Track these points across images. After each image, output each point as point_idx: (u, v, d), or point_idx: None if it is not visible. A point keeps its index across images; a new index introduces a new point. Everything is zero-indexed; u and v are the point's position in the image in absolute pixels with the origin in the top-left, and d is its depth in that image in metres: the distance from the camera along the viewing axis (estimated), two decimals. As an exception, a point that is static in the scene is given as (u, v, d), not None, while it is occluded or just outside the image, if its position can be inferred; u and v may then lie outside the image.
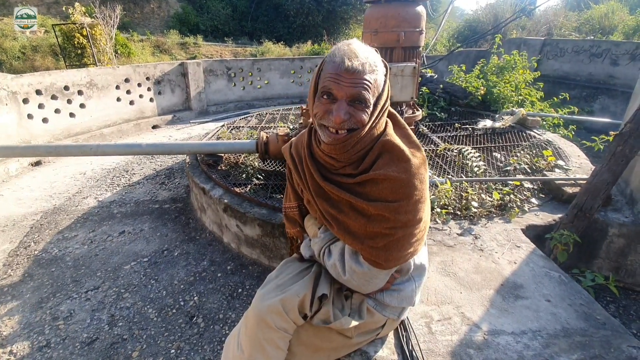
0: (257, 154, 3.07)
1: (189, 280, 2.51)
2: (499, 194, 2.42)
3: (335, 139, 0.96)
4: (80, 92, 5.72)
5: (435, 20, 13.44)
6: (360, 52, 0.91)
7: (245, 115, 5.25)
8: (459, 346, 1.34)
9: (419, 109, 3.35)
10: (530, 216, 2.29)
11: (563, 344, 1.33)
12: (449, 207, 2.33)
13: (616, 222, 2.24)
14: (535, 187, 2.62)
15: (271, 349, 1.06)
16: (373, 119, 0.97)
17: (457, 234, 2.12)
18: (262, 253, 2.60)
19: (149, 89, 6.85)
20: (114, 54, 10.01)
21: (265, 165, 3.17)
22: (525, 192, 2.54)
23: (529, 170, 2.83)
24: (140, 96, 6.73)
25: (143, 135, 6.40)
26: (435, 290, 1.65)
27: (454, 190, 2.46)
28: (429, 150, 3.32)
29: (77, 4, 8.95)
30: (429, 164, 2.45)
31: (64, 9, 10.27)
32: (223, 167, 3.19)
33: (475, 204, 2.35)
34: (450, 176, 2.72)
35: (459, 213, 2.31)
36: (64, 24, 9.28)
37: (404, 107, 3.11)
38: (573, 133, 3.97)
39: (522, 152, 3.20)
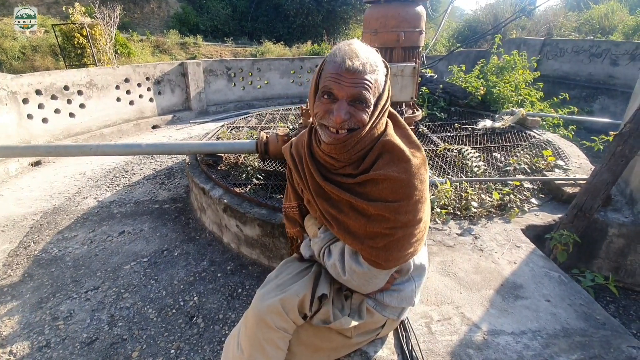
0: (257, 154, 3.07)
1: (189, 280, 2.51)
2: (499, 194, 2.42)
3: (335, 138, 0.96)
4: (80, 92, 5.72)
5: (435, 20, 13.45)
6: (361, 52, 0.92)
7: (245, 116, 5.25)
8: (458, 346, 1.34)
9: (419, 109, 3.36)
10: (530, 216, 2.30)
11: (563, 344, 1.33)
12: (449, 207, 2.33)
13: (616, 222, 2.24)
14: (535, 187, 2.62)
15: (271, 349, 1.06)
16: (373, 119, 0.97)
17: (457, 234, 2.12)
18: (262, 253, 2.60)
19: (148, 89, 6.85)
20: (113, 54, 10.00)
21: (265, 166, 3.17)
22: (525, 192, 2.54)
23: (528, 171, 2.83)
24: (140, 96, 6.73)
25: (143, 135, 6.40)
26: (435, 291, 1.65)
27: (453, 190, 2.46)
28: (429, 150, 3.32)
29: (77, 4, 8.94)
30: (429, 164, 2.44)
31: (63, 9, 10.26)
32: (223, 167, 3.19)
33: (475, 204, 2.35)
34: (450, 176, 2.72)
35: (458, 213, 2.31)
36: (63, 24, 9.27)
37: (404, 107, 3.11)
38: (573, 133, 3.97)
39: (521, 152, 3.20)
